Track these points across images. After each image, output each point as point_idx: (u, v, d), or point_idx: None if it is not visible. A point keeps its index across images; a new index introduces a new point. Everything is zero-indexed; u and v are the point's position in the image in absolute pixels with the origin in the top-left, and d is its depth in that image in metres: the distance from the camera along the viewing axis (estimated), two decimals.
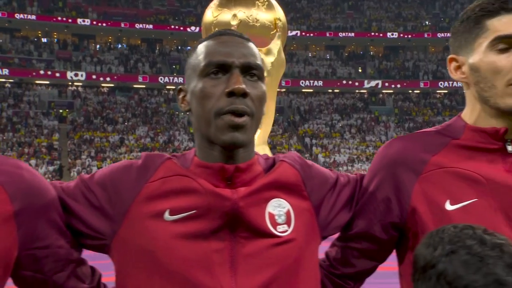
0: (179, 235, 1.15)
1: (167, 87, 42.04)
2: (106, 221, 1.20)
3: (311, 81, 43.91)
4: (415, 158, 1.29)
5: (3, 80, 40.18)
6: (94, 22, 42.44)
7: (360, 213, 1.34)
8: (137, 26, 42.91)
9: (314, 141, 38.82)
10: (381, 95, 45.79)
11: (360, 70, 47.16)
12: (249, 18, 13.84)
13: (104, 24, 42.81)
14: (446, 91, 45.79)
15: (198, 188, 1.18)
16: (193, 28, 41.86)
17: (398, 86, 44.77)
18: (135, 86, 41.81)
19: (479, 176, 1.23)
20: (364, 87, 44.58)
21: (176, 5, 46.67)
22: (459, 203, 1.22)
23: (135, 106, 40.21)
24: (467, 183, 1.24)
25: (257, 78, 1.22)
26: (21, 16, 41.35)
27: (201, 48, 1.24)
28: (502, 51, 1.22)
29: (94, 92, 41.43)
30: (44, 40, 43.87)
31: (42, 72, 39.89)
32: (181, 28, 43.22)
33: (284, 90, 44.17)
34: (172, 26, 43.18)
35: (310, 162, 1.34)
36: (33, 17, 41.76)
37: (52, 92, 40.75)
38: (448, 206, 1.22)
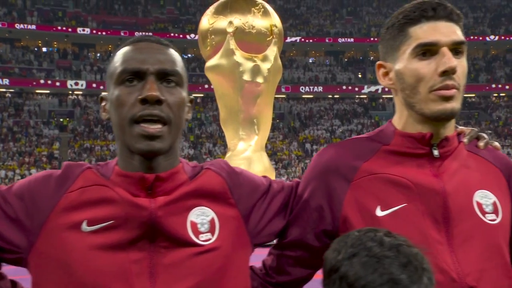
0: (96, 246, 1.12)
1: None
2: (23, 234, 1.16)
3: (311, 87, 43.98)
4: (346, 165, 1.29)
5: (4, 90, 40.32)
6: (94, 31, 42.61)
7: (294, 221, 1.33)
8: (137, 34, 42.97)
9: (314, 146, 38.78)
10: (381, 100, 45.78)
11: (360, 75, 47.20)
12: (245, 25, 13.87)
13: (103, 33, 42.97)
14: None
15: (115, 198, 1.16)
16: (192, 35, 41.96)
17: None
18: None
19: (408, 181, 1.24)
20: (364, 92, 44.60)
21: (175, 13, 46.87)
22: (389, 209, 1.23)
23: None
24: (396, 189, 1.24)
25: (175, 84, 1.20)
26: (21, 26, 41.53)
27: (118, 55, 1.22)
28: (424, 58, 1.23)
29: (94, 101, 41.50)
30: (44, 49, 44.04)
31: (42, 81, 40.01)
32: (181, 36, 43.35)
33: (284, 96, 44.22)
34: (172, 34, 43.30)
35: (239, 169, 1.32)
36: (33, 27, 41.94)
37: (52, 101, 40.86)
38: (379, 212, 1.23)
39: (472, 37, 46.05)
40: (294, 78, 44.99)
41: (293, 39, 45.01)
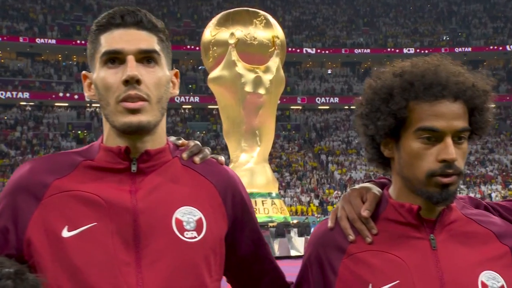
0: None
1: (183, 106, 42.43)
2: None
3: (327, 98, 43.82)
4: (37, 182, 1.20)
5: (24, 103, 41.14)
6: None
7: None
8: None
9: (330, 158, 38.53)
10: None
11: None
12: (247, 37, 13.90)
13: None
14: None
15: None
16: None
17: None
18: None
19: (100, 198, 1.17)
20: None
21: (191, 25, 47.33)
22: (76, 229, 1.15)
23: None
24: (87, 207, 1.17)
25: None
26: (42, 40, 42.42)
27: None
28: (112, 66, 1.18)
29: None
30: (63, 63, 44.89)
31: (61, 94, 40.71)
32: (197, 48, 43.42)
33: (300, 107, 44.14)
34: (188, 46, 43.71)
35: None
36: (53, 41, 42.80)
37: (70, 114, 41.51)
38: (65, 233, 1.15)
39: (492, 47, 45.41)
40: (310, 90, 44.89)
41: (309, 50, 45.01)
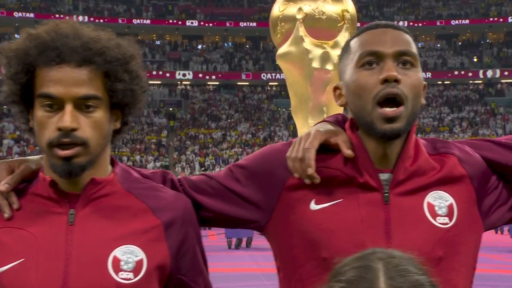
0: None
1: (270, 83, 42.56)
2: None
3: None
4: None
5: None
6: (202, 23, 44.29)
7: None
8: (242, 24, 43.94)
9: (420, 135, 36.83)
10: (499, 85, 42.21)
11: (475, 60, 43.87)
12: (315, 11, 13.49)
13: (210, 24, 44.49)
14: None
15: None
16: None
17: None
18: (239, 83, 42.94)
19: None
20: (480, 77, 41.41)
21: None
22: None
23: (239, 103, 41.29)
24: None
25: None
26: (138, 21, 44.41)
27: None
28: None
29: (200, 90, 43.26)
30: (157, 42, 46.73)
31: (154, 72, 42.53)
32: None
33: None
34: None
35: None
36: (148, 21, 44.64)
37: (163, 92, 43.30)
38: None
39: None
40: None
41: (401, 23, 43.02)
